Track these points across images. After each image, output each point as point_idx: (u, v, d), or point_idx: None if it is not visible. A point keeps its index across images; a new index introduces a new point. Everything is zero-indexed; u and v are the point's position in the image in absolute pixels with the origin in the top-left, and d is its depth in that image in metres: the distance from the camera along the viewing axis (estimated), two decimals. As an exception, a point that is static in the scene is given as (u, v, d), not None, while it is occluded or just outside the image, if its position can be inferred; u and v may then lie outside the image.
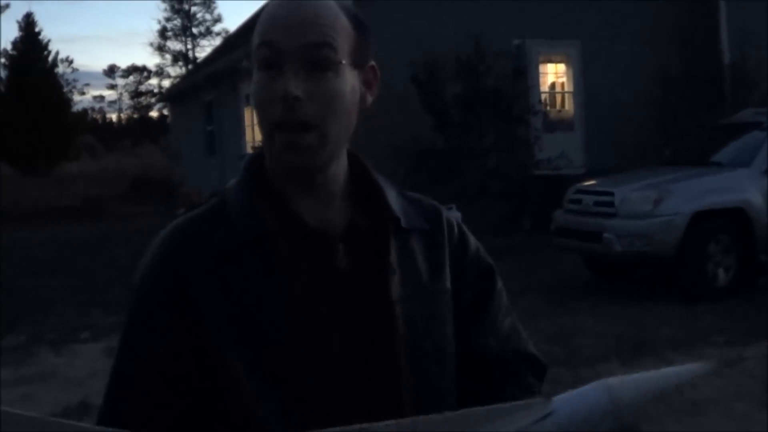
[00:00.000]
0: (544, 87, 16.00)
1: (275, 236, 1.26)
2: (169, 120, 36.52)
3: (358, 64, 1.30)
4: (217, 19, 62.57)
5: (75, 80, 56.31)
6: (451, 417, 1.03)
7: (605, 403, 1.07)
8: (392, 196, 1.39)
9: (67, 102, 41.05)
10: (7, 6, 57.43)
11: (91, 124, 54.98)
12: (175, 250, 1.27)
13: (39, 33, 38.14)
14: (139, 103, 63.60)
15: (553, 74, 16.43)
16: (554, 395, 1.08)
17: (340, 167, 1.34)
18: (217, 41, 49.81)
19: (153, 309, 1.25)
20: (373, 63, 1.35)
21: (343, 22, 1.28)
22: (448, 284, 1.40)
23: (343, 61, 1.26)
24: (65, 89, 43.86)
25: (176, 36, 58.03)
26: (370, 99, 1.35)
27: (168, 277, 1.25)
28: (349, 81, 1.28)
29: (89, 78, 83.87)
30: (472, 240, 1.48)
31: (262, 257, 1.26)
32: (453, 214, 1.46)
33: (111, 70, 65.37)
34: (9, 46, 38.74)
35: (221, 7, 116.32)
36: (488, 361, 1.43)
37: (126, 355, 1.26)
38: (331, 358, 1.25)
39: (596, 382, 1.10)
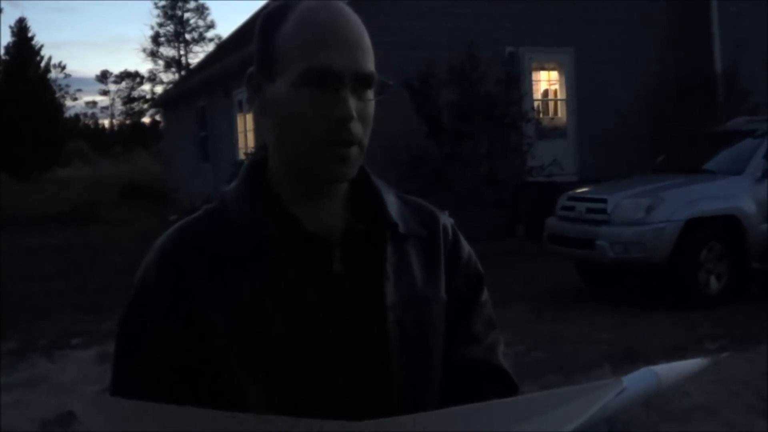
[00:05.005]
0: (537, 94, 16.03)
1: (275, 242, 1.29)
2: (161, 126, 36.50)
3: None
4: (210, 25, 62.65)
5: (67, 86, 56.41)
6: (528, 399, 1.08)
7: (654, 384, 1.30)
8: (391, 201, 1.40)
9: (60, 107, 41.08)
10: (0, 11, 57.51)
11: (83, 130, 54.93)
12: (177, 251, 1.30)
13: (32, 38, 38.16)
14: (132, 108, 63.56)
15: (546, 81, 16.46)
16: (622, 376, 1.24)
17: None
18: (210, 47, 49.96)
19: (152, 307, 1.28)
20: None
21: (369, 39, 1.32)
22: (443, 293, 1.40)
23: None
24: (57, 95, 43.93)
25: (169, 42, 58.10)
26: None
27: (168, 277, 1.28)
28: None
29: (81, 84, 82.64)
30: (465, 246, 1.48)
31: (260, 263, 1.28)
32: (446, 221, 1.47)
33: (103, 76, 65.38)
34: (1, 51, 38.76)
35: (214, 14, 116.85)
36: (462, 372, 1.42)
37: (125, 348, 1.31)
38: (324, 360, 1.27)
39: (645, 368, 1.32)
